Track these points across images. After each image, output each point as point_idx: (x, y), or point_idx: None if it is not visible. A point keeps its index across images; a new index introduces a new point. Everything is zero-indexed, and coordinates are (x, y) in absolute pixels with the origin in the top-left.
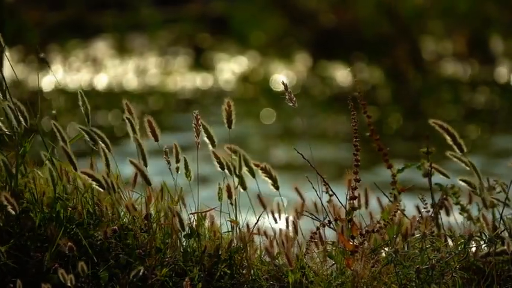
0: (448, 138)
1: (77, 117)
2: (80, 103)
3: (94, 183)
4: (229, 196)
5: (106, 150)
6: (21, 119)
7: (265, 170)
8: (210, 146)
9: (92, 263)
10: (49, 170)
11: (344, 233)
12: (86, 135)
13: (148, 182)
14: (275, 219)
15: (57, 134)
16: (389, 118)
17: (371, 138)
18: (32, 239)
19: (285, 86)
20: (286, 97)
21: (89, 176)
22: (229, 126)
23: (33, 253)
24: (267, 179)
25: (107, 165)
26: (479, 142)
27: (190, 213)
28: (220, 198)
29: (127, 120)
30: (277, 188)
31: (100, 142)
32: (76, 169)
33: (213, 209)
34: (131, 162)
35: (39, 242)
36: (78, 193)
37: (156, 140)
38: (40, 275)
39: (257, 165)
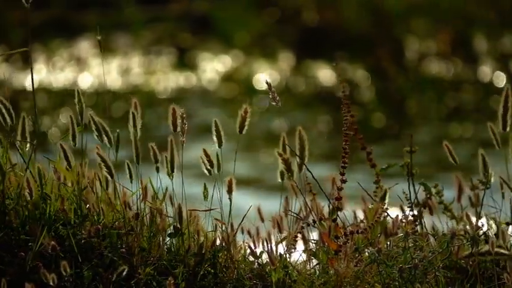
0: (501, 109)
1: (61, 116)
2: (76, 100)
3: (104, 168)
4: (229, 191)
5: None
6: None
7: (285, 162)
8: (216, 144)
9: (76, 262)
10: (37, 169)
11: (328, 233)
12: (94, 127)
13: (111, 175)
14: (262, 219)
15: (70, 129)
16: (372, 117)
17: (355, 137)
18: (16, 238)
19: (269, 85)
20: (270, 97)
21: (103, 160)
22: (240, 132)
23: (17, 252)
24: (284, 171)
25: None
26: (462, 140)
27: (189, 210)
28: (205, 197)
29: (131, 115)
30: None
31: (104, 136)
32: (70, 166)
33: (214, 209)
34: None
35: (22, 241)
36: (66, 191)
37: (175, 130)
38: (23, 274)
39: (280, 155)
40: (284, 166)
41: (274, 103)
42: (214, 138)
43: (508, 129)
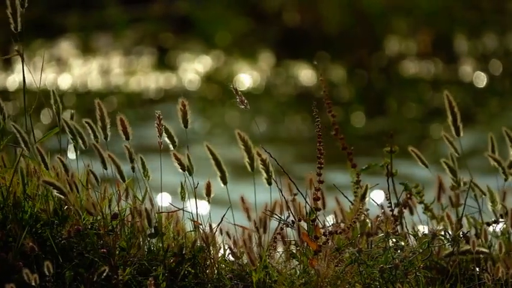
0: (450, 117)
1: (43, 117)
2: (52, 101)
3: (55, 191)
4: (208, 194)
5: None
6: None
7: (264, 163)
8: (170, 146)
9: (57, 262)
10: (20, 169)
11: (308, 233)
12: (67, 130)
13: (123, 178)
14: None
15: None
16: (352, 117)
17: (336, 137)
18: None
19: (236, 90)
20: (238, 100)
21: (50, 184)
22: (185, 126)
23: None
24: (263, 171)
25: (65, 167)
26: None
27: (157, 212)
28: (182, 198)
29: (86, 124)
30: (270, 183)
31: (79, 138)
32: (47, 167)
33: (180, 209)
34: (110, 157)
35: (2, 241)
36: (45, 192)
37: (127, 138)
38: (4, 274)
39: (259, 155)
40: (263, 167)
41: (242, 106)
42: (167, 139)
43: (461, 133)
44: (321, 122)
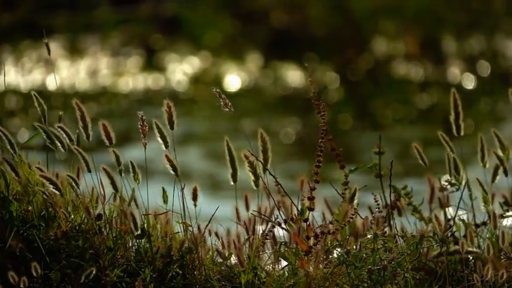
0: (452, 115)
1: (30, 118)
2: (36, 104)
3: (51, 186)
4: (194, 198)
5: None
6: None
7: (251, 165)
8: (162, 146)
9: (44, 263)
10: (1, 171)
11: (299, 234)
12: (43, 134)
13: (116, 188)
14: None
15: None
16: (340, 118)
17: (324, 138)
18: None
19: (219, 93)
20: (222, 103)
21: (47, 179)
22: (171, 128)
23: None
24: (250, 174)
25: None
26: (431, 142)
27: (143, 214)
28: (165, 201)
29: (59, 129)
30: (257, 185)
31: (57, 141)
32: (18, 176)
33: (167, 211)
34: (104, 170)
35: None
36: (31, 194)
37: (111, 143)
38: None
39: (246, 157)
40: (250, 169)
41: (226, 109)
42: (159, 139)
43: (462, 133)
44: (312, 123)
